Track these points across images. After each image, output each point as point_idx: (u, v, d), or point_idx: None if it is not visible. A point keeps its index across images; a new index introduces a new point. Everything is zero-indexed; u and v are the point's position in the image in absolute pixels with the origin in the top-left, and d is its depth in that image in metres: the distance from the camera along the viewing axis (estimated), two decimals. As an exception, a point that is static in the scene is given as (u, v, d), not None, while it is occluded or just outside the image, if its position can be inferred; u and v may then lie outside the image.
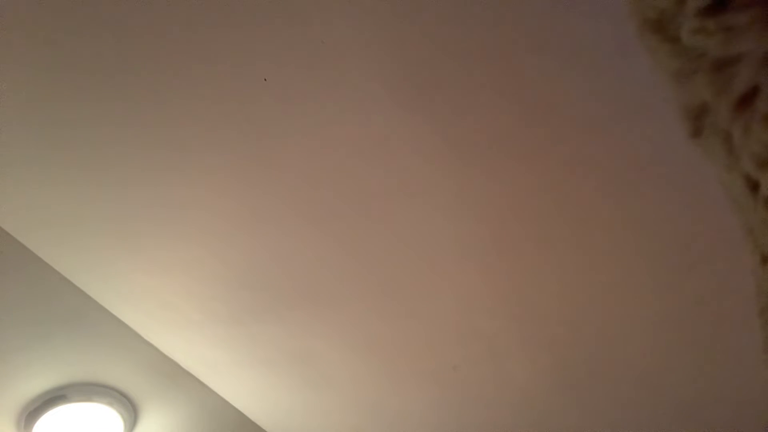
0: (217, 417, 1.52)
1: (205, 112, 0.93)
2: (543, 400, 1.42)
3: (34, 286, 1.20)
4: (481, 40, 0.82)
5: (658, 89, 0.81)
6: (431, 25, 0.81)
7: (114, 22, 0.83)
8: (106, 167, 1.01)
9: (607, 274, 1.12)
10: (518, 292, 1.17)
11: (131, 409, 1.42)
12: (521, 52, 0.83)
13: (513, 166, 0.97)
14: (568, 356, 1.30)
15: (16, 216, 1.09)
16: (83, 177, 1.02)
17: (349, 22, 0.82)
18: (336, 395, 1.48)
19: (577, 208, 1.02)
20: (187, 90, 0.90)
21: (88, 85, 0.90)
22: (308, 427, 1.58)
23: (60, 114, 0.94)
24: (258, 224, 1.09)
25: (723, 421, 1.40)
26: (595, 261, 1.10)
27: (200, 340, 1.34)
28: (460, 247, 1.10)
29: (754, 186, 0.35)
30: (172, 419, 1.48)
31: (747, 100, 0.32)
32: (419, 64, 0.85)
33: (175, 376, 1.42)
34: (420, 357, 1.34)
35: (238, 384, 1.46)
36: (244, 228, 1.10)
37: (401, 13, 0.80)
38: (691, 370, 1.29)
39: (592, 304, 1.18)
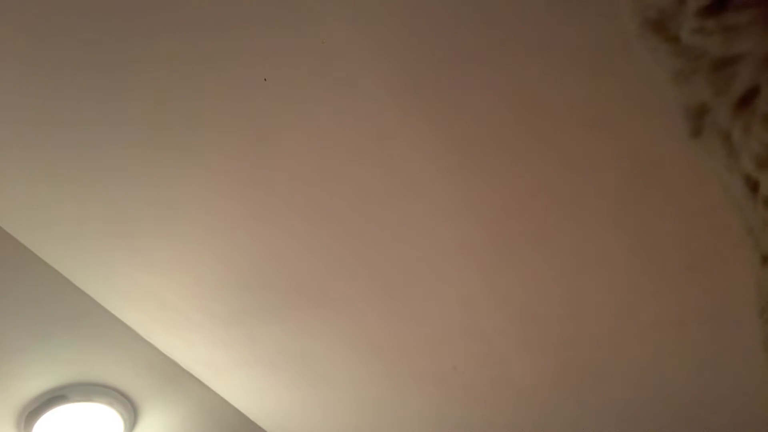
0: (217, 417, 1.52)
1: (206, 112, 0.93)
2: (543, 400, 1.42)
3: (34, 286, 1.20)
4: (481, 40, 0.82)
5: (659, 89, 0.81)
6: (431, 26, 0.81)
7: (114, 22, 0.83)
8: (106, 167, 1.01)
9: (607, 274, 1.12)
10: (518, 292, 1.17)
11: (131, 409, 1.42)
12: (521, 52, 0.83)
13: (513, 166, 0.97)
14: (568, 356, 1.30)
15: (16, 216, 1.09)
16: (83, 177, 1.02)
17: (350, 23, 0.82)
18: (336, 395, 1.48)
19: (576, 208, 1.02)
20: (187, 90, 0.90)
21: (87, 85, 0.90)
22: (308, 427, 1.58)
23: (60, 114, 0.94)
24: (258, 224, 1.09)
25: (723, 422, 1.40)
26: (595, 261, 1.10)
27: (200, 340, 1.34)
28: (460, 248, 1.10)
29: (754, 186, 0.35)
30: (172, 419, 1.48)
31: (747, 100, 0.32)
32: (419, 64, 0.85)
33: (175, 376, 1.42)
34: (420, 357, 1.34)
35: (238, 384, 1.46)
36: (244, 228, 1.10)
37: (401, 13, 0.80)
38: (691, 370, 1.29)
39: (592, 304, 1.18)
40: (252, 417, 1.56)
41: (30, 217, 1.09)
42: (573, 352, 1.29)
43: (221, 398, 1.50)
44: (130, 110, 0.93)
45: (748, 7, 0.30)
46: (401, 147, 0.96)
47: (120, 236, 1.12)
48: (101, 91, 0.91)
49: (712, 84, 0.34)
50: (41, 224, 1.10)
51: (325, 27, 0.82)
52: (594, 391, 1.38)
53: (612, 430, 1.48)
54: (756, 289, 0.40)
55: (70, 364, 1.33)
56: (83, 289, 1.23)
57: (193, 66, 0.88)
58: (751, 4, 0.30)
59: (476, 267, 1.13)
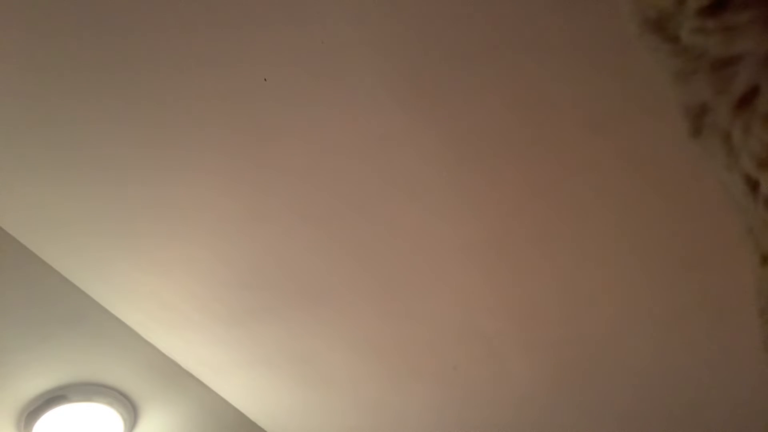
0: (217, 417, 1.52)
1: (206, 112, 0.93)
2: (543, 400, 1.42)
3: (34, 286, 1.20)
4: (481, 39, 0.82)
5: (659, 89, 0.81)
6: (431, 25, 0.81)
7: (114, 22, 0.83)
8: (106, 167, 1.01)
9: (607, 274, 1.12)
10: (518, 292, 1.17)
11: (131, 409, 1.42)
12: (521, 52, 0.83)
13: (513, 166, 0.97)
14: (568, 356, 1.30)
15: (16, 216, 1.09)
16: (83, 177, 1.02)
17: (349, 23, 0.82)
18: (336, 395, 1.48)
19: (576, 208, 1.02)
20: (187, 90, 0.90)
21: (88, 85, 0.90)
22: (308, 427, 1.58)
23: (60, 114, 0.94)
24: (258, 224, 1.09)
25: (723, 422, 1.40)
26: (595, 261, 1.10)
27: (200, 340, 1.34)
28: (460, 247, 1.10)
29: (754, 186, 0.35)
30: (172, 419, 1.48)
31: (747, 100, 0.32)
32: (419, 64, 0.85)
33: (175, 376, 1.42)
34: (420, 357, 1.34)
35: (238, 384, 1.46)
36: (244, 228, 1.10)
37: (401, 13, 0.80)
38: (691, 370, 1.29)
39: (592, 304, 1.18)
40: (252, 417, 1.56)
41: (30, 217, 1.09)
42: (573, 352, 1.29)
43: (221, 398, 1.50)
44: (130, 110, 0.93)
45: (748, 7, 0.30)
46: (401, 147, 0.96)
47: (120, 236, 1.12)
48: (101, 91, 0.91)
49: (712, 84, 0.34)
50: (41, 224, 1.10)
51: (325, 27, 0.82)
52: (594, 390, 1.38)
53: (612, 429, 1.48)
54: (756, 289, 0.40)
55: (70, 364, 1.33)
56: (83, 289, 1.23)
57: (193, 66, 0.88)
58: (751, 4, 0.30)
59: (476, 267, 1.13)
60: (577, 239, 1.06)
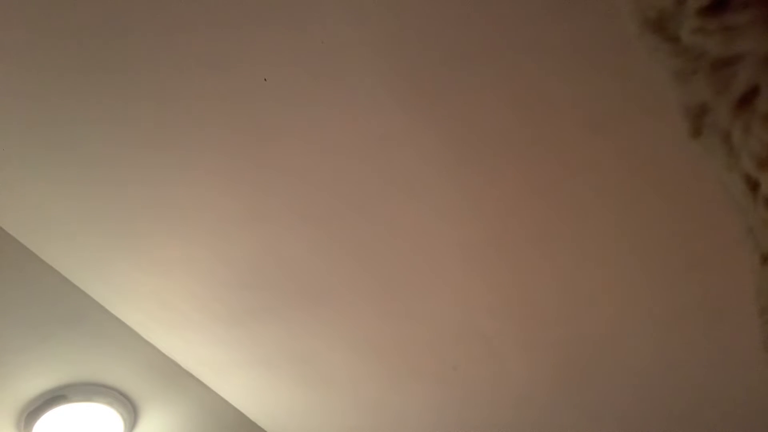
0: (217, 417, 1.52)
1: (206, 112, 0.93)
2: (543, 400, 1.42)
3: (34, 286, 1.20)
4: (481, 40, 0.82)
5: (659, 89, 0.81)
6: (431, 26, 0.81)
7: (114, 22, 0.83)
8: (106, 167, 1.01)
9: (607, 275, 1.12)
10: (518, 292, 1.17)
11: (131, 409, 1.42)
12: (521, 52, 0.83)
13: (513, 166, 0.97)
14: (568, 356, 1.30)
15: (16, 216, 1.09)
16: (83, 177, 1.02)
17: (349, 23, 0.82)
18: (336, 395, 1.48)
19: (576, 208, 1.02)
20: (187, 90, 0.90)
21: (88, 85, 0.90)
22: (308, 427, 1.58)
23: (60, 114, 0.94)
24: (258, 224, 1.09)
25: (723, 422, 1.40)
26: (595, 261, 1.10)
27: (200, 340, 1.34)
28: (460, 247, 1.10)
29: (754, 186, 0.35)
30: (172, 419, 1.48)
31: (747, 100, 0.32)
32: (419, 64, 0.85)
33: (175, 376, 1.42)
34: (420, 357, 1.34)
35: (238, 384, 1.46)
36: (244, 228, 1.10)
37: (401, 13, 0.80)
38: (691, 370, 1.29)
39: (592, 304, 1.18)
40: (252, 417, 1.56)
41: (30, 217, 1.09)
42: (573, 352, 1.29)
43: (221, 398, 1.50)
44: (130, 110, 0.93)
45: (748, 7, 0.30)
46: (401, 147, 0.96)
47: (120, 236, 1.12)
48: (101, 91, 0.91)
49: (712, 84, 0.34)
50: (41, 224, 1.10)
51: (325, 27, 0.82)
52: (594, 390, 1.38)
53: (612, 429, 1.48)
54: (756, 289, 0.40)
55: (70, 364, 1.33)
56: (83, 289, 1.23)
57: (193, 66, 0.88)
58: (751, 4, 0.30)
59: (476, 267, 1.13)
60: (577, 239, 1.06)
